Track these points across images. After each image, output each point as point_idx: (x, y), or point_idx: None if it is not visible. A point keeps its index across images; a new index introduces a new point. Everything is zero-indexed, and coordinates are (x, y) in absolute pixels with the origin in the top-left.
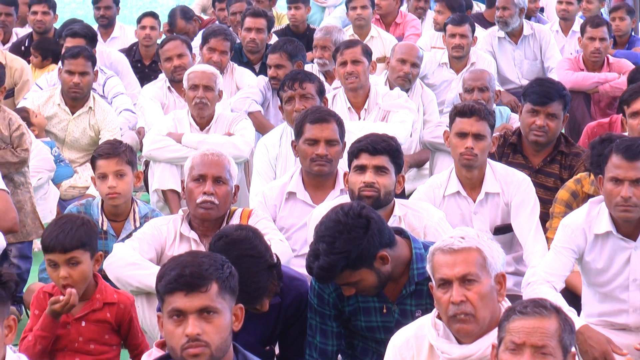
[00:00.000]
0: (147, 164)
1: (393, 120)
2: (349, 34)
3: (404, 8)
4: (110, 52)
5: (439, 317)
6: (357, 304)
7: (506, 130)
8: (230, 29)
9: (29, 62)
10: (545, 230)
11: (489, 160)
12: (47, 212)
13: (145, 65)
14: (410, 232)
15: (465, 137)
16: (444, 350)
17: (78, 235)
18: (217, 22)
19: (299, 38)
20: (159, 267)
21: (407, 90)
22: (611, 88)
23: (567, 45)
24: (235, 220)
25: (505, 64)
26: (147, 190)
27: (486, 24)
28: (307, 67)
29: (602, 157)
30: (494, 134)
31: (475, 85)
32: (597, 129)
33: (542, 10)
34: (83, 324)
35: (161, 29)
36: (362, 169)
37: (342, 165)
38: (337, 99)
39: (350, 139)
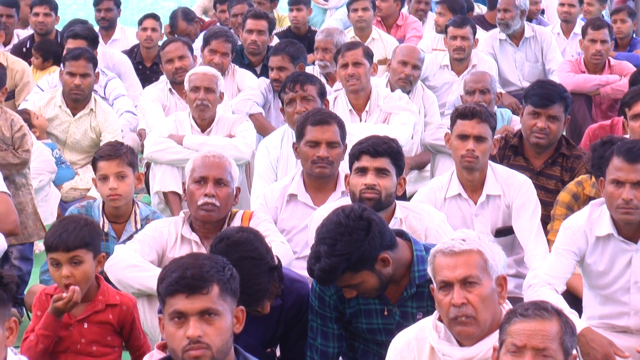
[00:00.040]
0: (148, 165)
1: (394, 122)
2: (350, 36)
3: (405, 10)
4: (113, 54)
5: (440, 319)
6: (358, 306)
7: (507, 133)
8: (232, 30)
9: (30, 63)
10: (546, 232)
11: (490, 162)
12: (48, 214)
13: (146, 67)
14: (412, 234)
15: (466, 140)
16: (445, 352)
17: (81, 235)
18: (218, 24)
19: (300, 40)
20: (160, 269)
21: (408, 93)
22: (612, 90)
23: (569, 47)
24: (236, 222)
25: (507, 66)
26: (148, 192)
27: (487, 26)
28: (308, 69)
29: (603, 159)
30: (495, 136)
31: (476, 88)
32: (598, 131)
33: (543, 12)
34: (85, 325)
35: (162, 31)
36: (363, 171)
37: (344, 167)
38: (338, 101)
39: (351, 141)
